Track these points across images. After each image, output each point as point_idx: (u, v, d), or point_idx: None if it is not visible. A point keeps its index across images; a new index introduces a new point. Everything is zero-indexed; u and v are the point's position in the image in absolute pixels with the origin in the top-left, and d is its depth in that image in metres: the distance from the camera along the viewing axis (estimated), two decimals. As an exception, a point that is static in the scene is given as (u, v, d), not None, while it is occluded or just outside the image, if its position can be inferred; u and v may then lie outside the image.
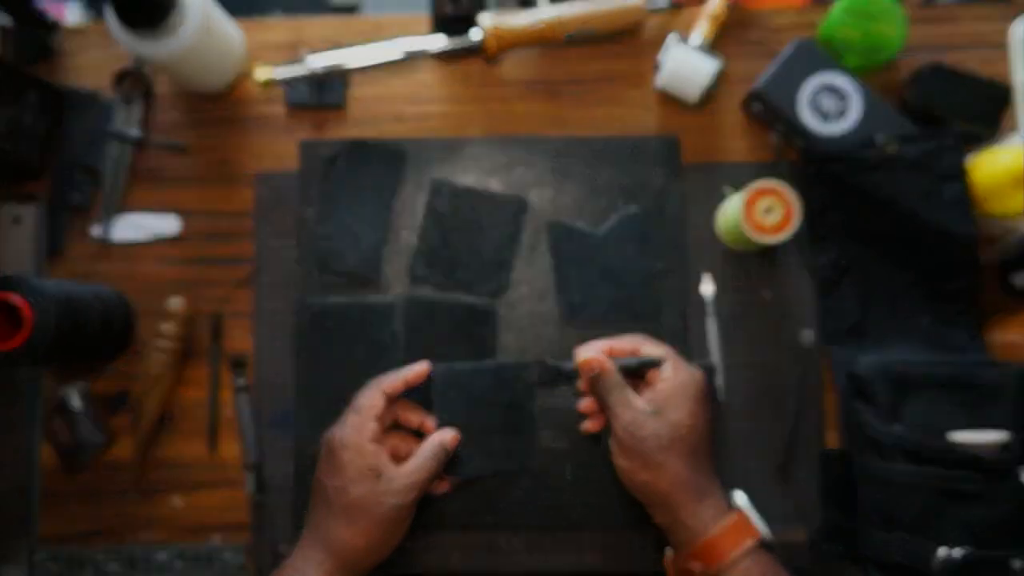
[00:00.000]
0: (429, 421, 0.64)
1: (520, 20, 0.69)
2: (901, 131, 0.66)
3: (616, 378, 0.60)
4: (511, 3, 0.82)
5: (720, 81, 0.70)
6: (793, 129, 0.68)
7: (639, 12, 0.70)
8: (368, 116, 0.71)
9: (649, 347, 0.62)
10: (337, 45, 0.72)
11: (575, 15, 0.69)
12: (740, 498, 0.58)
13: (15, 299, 0.56)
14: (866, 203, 0.66)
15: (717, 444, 0.66)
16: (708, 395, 0.60)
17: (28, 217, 0.69)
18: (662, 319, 0.67)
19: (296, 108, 0.71)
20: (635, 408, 0.58)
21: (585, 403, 0.64)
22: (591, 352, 0.61)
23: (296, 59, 0.71)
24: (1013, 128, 0.68)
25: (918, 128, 0.66)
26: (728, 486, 0.66)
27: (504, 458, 0.65)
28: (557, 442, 0.66)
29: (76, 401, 0.66)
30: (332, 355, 0.67)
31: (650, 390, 0.60)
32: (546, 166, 0.70)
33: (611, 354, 0.62)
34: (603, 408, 0.61)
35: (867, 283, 0.67)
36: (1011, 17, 0.71)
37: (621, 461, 0.59)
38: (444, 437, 0.61)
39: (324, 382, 0.67)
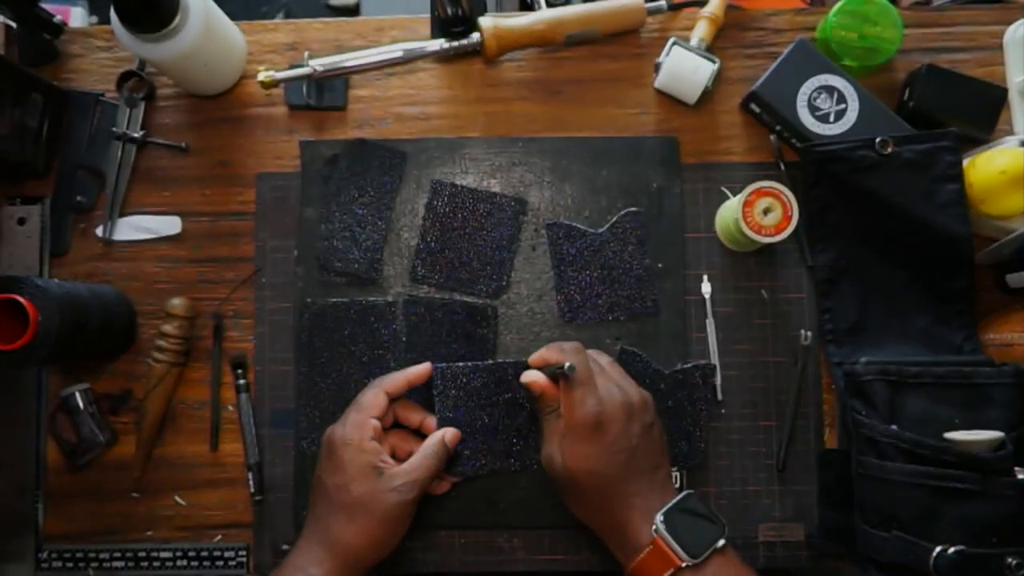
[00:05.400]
0: (429, 420, 0.64)
1: (520, 21, 0.69)
2: (898, 132, 0.66)
3: (550, 406, 0.59)
4: (511, 4, 0.82)
5: (719, 82, 0.71)
6: (791, 130, 0.68)
7: (639, 13, 0.70)
8: (368, 117, 0.72)
9: (569, 357, 0.58)
10: (337, 46, 0.73)
11: (575, 16, 0.69)
12: (659, 524, 0.54)
13: (20, 299, 0.56)
14: (864, 204, 0.67)
15: (714, 450, 0.67)
16: (619, 423, 0.56)
17: (32, 218, 0.70)
18: (661, 319, 0.68)
19: (297, 109, 0.72)
20: (550, 444, 0.58)
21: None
22: (536, 375, 0.60)
23: (297, 61, 0.72)
24: (1009, 129, 0.69)
25: (915, 129, 0.67)
26: (723, 485, 0.66)
27: (504, 458, 0.65)
28: (557, 441, 0.67)
29: (79, 400, 0.66)
30: (332, 355, 0.67)
31: (562, 419, 0.58)
32: (546, 166, 0.70)
33: (541, 363, 0.61)
34: None
35: (866, 283, 0.67)
36: (1007, 19, 0.71)
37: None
38: (445, 435, 0.62)
39: (324, 382, 0.67)
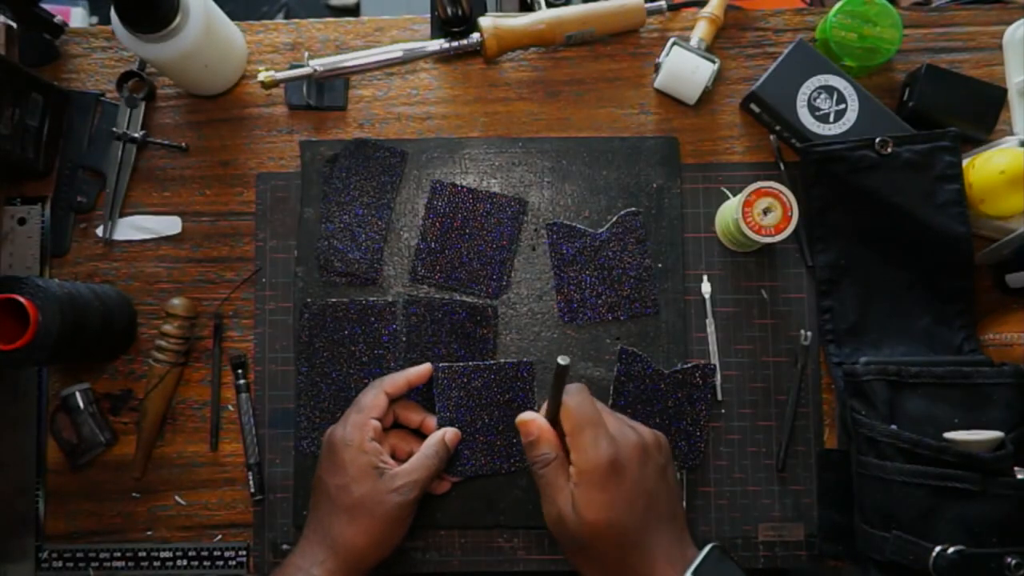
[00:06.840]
0: (429, 420, 0.64)
1: (520, 21, 0.69)
2: (898, 132, 0.66)
3: (546, 452, 0.53)
4: (511, 4, 0.82)
5: (719, 82, 0.71)
6: (791, 130, 0.68)
7: (638, 13, 0.70)
8: (368, 117, 0.72)
9: (571, 393, 0.53)
10: (337, 46, 0.73)
11: (575, 16, 0.69)
12: None
13: (20, 299, 0.56)
14: (864, 204, 0.67)
15: (714, 450, 0.67)
16: (636, 464, 0.52)
17: (33, 218, 0.70)
18: (661, 319, 0.68)
19: (297, 109, 0.72)
20: (556, 500, 0.52)
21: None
22: (530, 414, 0.54)
23: (297, 61, 0.72)
24: (1008, 129, 0.69)
25: (914, 129, 0.67)
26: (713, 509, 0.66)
27: (504, 458, 0.65)
28: (556, 441, 0.67)
29: (79, 400, 0.66)
30: (332, 355, 0.67)
31: (573, 466, 0.52)
32: (546, 166, 0.70)
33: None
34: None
35: (866, 283, 0.67)
36: (1006, 19, 0.71)
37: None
38: (446, 435, 0.62)
39: (324, 382, 0.67)
